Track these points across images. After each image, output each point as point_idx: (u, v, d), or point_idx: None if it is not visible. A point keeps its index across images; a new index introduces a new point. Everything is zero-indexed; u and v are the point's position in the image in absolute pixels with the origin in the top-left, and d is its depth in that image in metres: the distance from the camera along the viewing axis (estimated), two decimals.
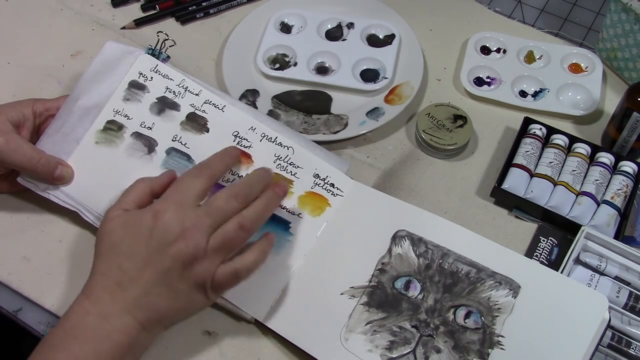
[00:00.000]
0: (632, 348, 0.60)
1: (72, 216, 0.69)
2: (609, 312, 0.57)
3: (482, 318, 0.59)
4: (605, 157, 0.72)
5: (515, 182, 0.70)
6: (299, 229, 0.67)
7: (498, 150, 0.77)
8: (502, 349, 0.58)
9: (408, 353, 0.59)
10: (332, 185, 0.69)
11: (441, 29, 0.89)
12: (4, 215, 0.71)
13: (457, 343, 0.58)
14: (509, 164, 0.72)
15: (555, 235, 0.69)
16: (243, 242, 0.56)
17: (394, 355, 0.59)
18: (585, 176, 0.71)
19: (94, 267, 0.56)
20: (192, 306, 0.56)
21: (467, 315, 0.60)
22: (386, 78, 0.81)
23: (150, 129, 0.70)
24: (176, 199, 0.56)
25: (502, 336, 0.58)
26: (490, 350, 0.58)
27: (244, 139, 0.70)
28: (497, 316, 0.59)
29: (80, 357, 0.51)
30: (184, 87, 0.72)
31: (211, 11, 0.90)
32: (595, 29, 0.89)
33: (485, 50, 0.85)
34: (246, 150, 0.70)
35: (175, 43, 0.80)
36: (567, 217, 0.69)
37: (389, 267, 0.63)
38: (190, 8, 0.90)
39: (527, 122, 0.76)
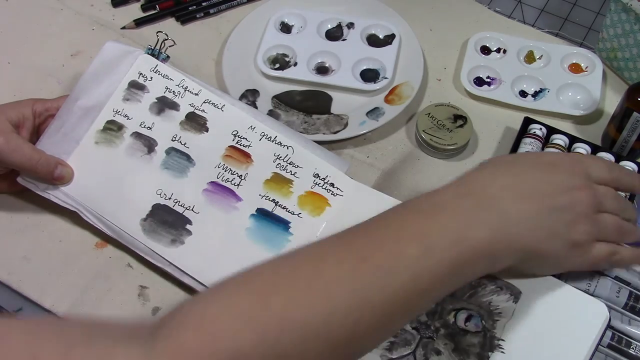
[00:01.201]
0: (632, 348, 0.60)
1: (72, 216, 0.69)
2: (609, 312, 0.57)
3: (483, 322, 0.59)
4: (605, 157, 0.72)
5: None
6: (299, 229, 0.67)
7: (498, 150, 0.77)
8: (502, 352, 0.58)
9: (408, 354, 0.59)
10: (332, 185, 0.69)
11: (441, 29, 0.89)
12: (4, 215, 0.71)
13: (457, 345, 0.58)
14: None
15: None
16: (612, 238, 0.56)
17: (394, 356, 0.59)
18: None
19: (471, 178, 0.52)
20: (552, 257, 0.53)
21: (467, 319, 0.59)
22: (386, 78, 0.81)
23: (150, 129, 0.70)
24: None
25: (502, 340, 0.58)
26: (490, 353, 0.58)
27: (244, 138, 0.70)
28: (497, 320, 0.59)
29: (448, 227, 0.48)
30: (184, 87, 0.72)
31: (211, 11, 0.90)
32: (595, 29, 0.89)
33: (485, 50, 0.85)
34: (245, 149, 0.70)
35: (175, 43, 0.80)
36: None
37: None
38: (190, 8, 0.90)
39: (527, 122, 0.76)
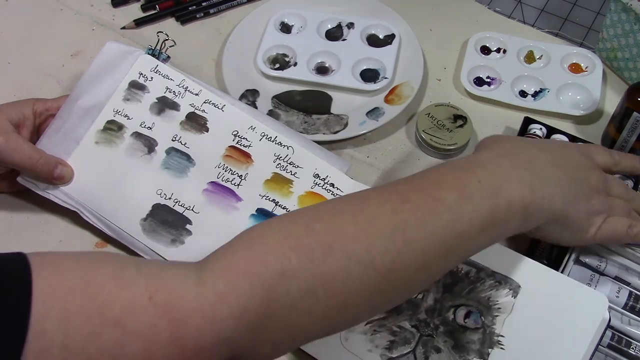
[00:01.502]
0: (632, 348, 0.60)
1: (72, 216, 0.69)
2: (609, 312, 0.57)
3: (482, 318, 0.59)
4: None
5: None
6: None
7: None
8: (501, 348, 0.58)
9: (408, 353, 0.59)
10: (332, 185, 0.69)
11: (441, 29, 0.89)
12: (4, 215, 0.71)
13: (457, 343, 0.58)
14: None
15: None
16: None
17: (393, 355, 0.59)
18: None
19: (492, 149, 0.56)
20: (574, 223, 0.56)
21: (467, 315, 0.60)
22: (386, 78, 0.81)
23: (150, 129, 0.70)
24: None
25: (502, 336, 0.58)
26: (490, 349, 0.58)
27: (244, 138, 0.70)
28: (497, 316, 0.59)
29: (486, 180, 0.50)
30: (184, 87, 0.72)
31: (211, 11, 0.90)
32: (595, 29, 0.89)
33: (485, 50, 0.85)
34: (246, 149, 0.70)
35: (175, 43, 0.80)
36: None
37: None
38: (190, 8, 0.90)
39: (527, 122, 0.76)
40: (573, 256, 0.64)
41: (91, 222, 0.67)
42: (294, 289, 0.43)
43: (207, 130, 0.71)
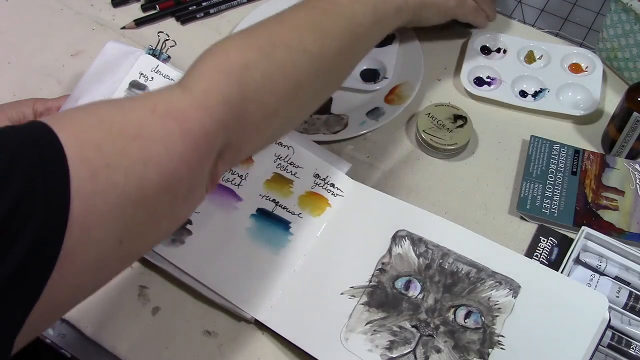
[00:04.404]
0: (632, 348, 0.60)
1: None
2: (609, 312, 0.57)
3: (482, 318, 0.59)
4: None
5: None
6: (299, 229, 0.67)
7: (498, 149, 0.77)
8: (502, 348, 0.58)
9: (408, 353, 0.59)
10: (332, 185, 0.69)
11: (441, 29, 0.89)
12: None
13: (457, 343, 0.58)
14: None
15: (555, 235, 0.69)
16: None
17: (394, 355, 0.59)
18: None
19: None
20: (442, 8, 0.77)
21: (467, 315, 0.60)
22: (386, 78, 0.81)
23: None
24: None
25: (502, 336, 0.58)
26: (490, 350, 0.58)
27: None
28: (497, 316, 0.59)
29: None
30: None
31: (211, 11, 0.90)
32: (595, 29, 0.89)
33: (485, 50, 0.85)
34: None
35: (175, 43, 0.80)
36: None
37: (389, 267, 0.63)
38: (190, 8, 0.90)
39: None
40: (573, 256, 0.65)
41: None
42: (258, 76, 0.52)
43: None
